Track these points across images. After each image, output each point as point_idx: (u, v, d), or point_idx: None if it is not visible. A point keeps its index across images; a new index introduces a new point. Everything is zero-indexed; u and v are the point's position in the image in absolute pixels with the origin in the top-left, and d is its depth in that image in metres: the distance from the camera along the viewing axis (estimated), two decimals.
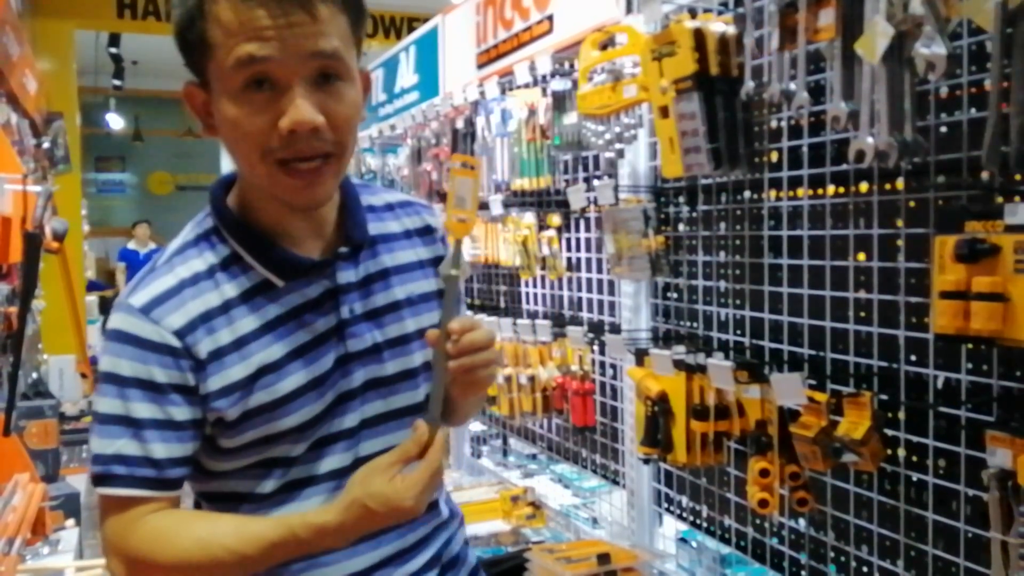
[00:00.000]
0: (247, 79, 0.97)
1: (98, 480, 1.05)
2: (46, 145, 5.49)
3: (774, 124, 1.88)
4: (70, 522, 2.96)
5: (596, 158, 2.61)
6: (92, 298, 8.22)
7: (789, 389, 1.63)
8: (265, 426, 1.07)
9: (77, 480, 4.00)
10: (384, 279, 1.17)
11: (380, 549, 1.14)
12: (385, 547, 1.15)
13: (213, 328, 1.05)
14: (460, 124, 3.07)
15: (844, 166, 1.68)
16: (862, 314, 1.71)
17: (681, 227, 2.24)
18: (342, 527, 1.00)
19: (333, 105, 0.99)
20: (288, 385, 1.07)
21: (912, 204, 1.59)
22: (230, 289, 1.07)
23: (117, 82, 10.87)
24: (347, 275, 1.13)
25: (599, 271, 2.66)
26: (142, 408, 1.03)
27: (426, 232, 1.25)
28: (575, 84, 2.30)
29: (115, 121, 13.17)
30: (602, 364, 2.64)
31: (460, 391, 1.09)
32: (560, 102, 2.47)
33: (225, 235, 1.09)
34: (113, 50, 10.04)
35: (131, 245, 10.26)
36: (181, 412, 1.05)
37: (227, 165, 1.14)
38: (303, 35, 0.96)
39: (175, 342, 1.03)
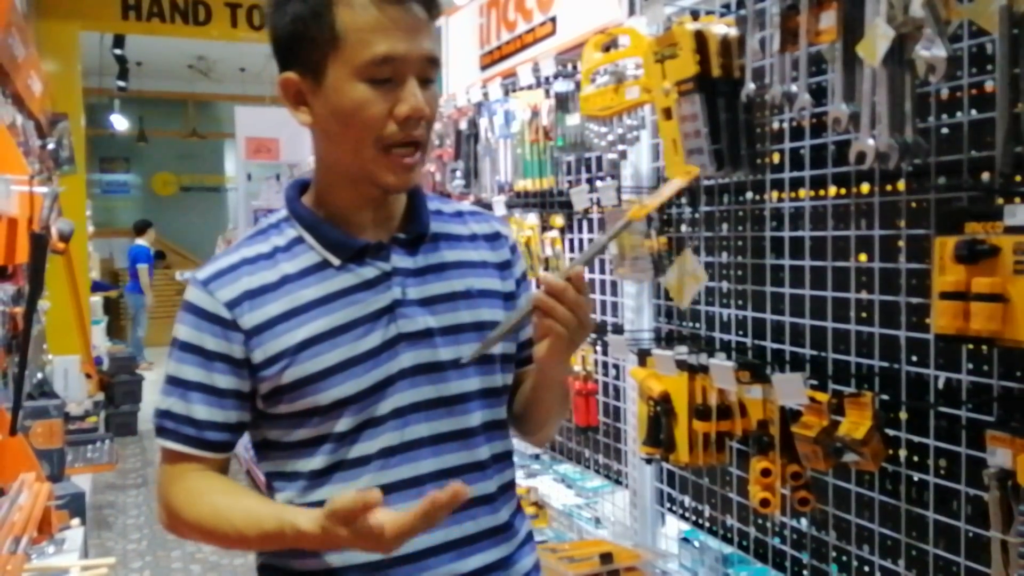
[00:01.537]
0: (377, 73, 1.08)
1: (156, 431, 1.18)
2: (51, 146, 5.51)
3: (776, 126, 1.89)
4: (75, 521, 2.97)
5: (599, 159, 2.62)
6: (96, 299, 8.25)
7: (790, 389, 1.64)
8: (313, 396, 1.12)
9: (82, 480, 4.02)
10: (442, 271, 1.21)
11: (426, 535, 1.13)
12: (430, 534, 1.14)
13: (264, 302, 1.14)
14: (464, 125, 3.08)
15: (846, 167, 1.68)
16: (863, 315, 1.72)
17: (684, 228, 2.25)
18: (321, 542, 1.03)
19: (430, 102, 1.12)
20: (334, 357, 1.12)
21: (913, 205, 1.60)
22: (288, 267, 1.16)
23: (121, 83, 10.88)
24: (403, 260, 1.19)
25: (602, 272, 2.67)
26: (191, 371, 1.14)
27: (494, 238, 1.30)
28: (578, 86, 2.31)
29: (119, 122, 13.20)
30: (605, 364, 2.65)
31: (539, 343, 1.13)
32: (563, 103, 2.48)
33: (293, 222, 1.19)
34: (117, 51, 10.07)
35: (145, 244, 10.43)
36: (224, 380, 1.14)
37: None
38: (423, 39, 1.10)
39: (226, 313, 1.13)
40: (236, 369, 1.14)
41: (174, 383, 1.15)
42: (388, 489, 1.12)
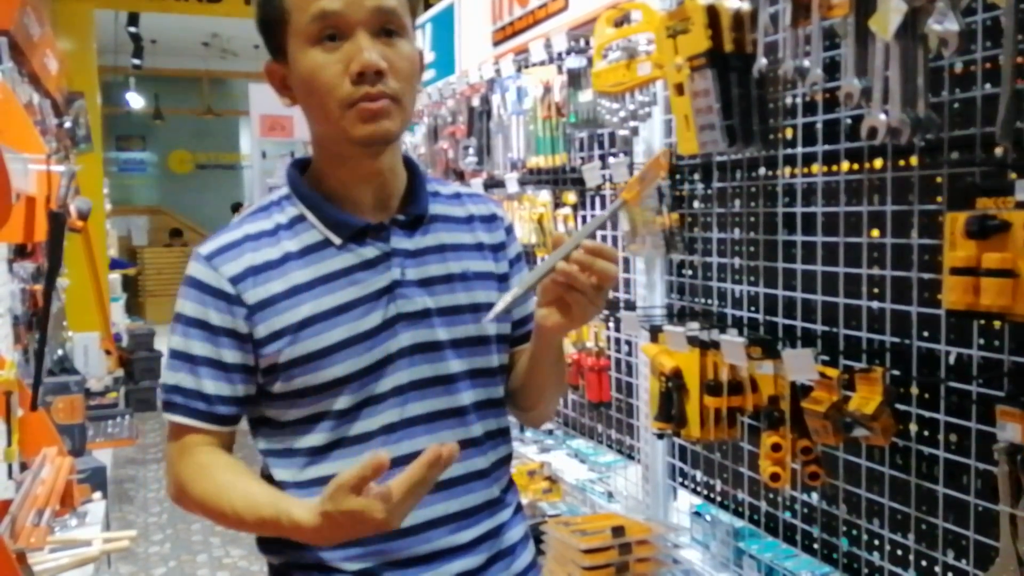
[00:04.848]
0: (320, 33, 1.08)
1: (164, 406, 1.19)
2: (68, 124, 5.55)
3: (788, 101, 1.88)
4: (97, 495, 3.03)
5: (611, 135, 2.62)
6: (115, 276, 8.33)
7: (800, 365, 1.64)
8: (312, 374, 1.14)
9: (103, 454, 4.09)
10: (440, 252, 1.23)
11: (425, 508, 1.17)
12: (429, 507, 1.17)
13: (267, 278, 1.15)
14: (476, 102, 3.08)
15: (858, 143, 1.68)
16: (875, 290, 1.72)
17: (696, 204, 2.25)
18: (317, 533, 1.02)
19: (392, 55, 1.10)
20: (334, 336, 1.14)
21: (936, 180, 1.59)
22: (291, 244, 1.17)
23: (136, 61, 10.92)
24: (402, 241, 1.20)
25: (614, 248, 2.67)
26: (198, 346, 1.16)
27: (491, 219, 1.31)
28: (590, 61, 2.31)
29: (135, 100, 13.25)
30: (617, 340, 2.66)
31: (546, 302, 1.10)
32: (575, 79, 2.48)
33: (295, 199, 1.20)
34: (132, 29, 10.08)
35: None
36: (231, 355, 1.15)
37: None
38: None
39: (229, 288, 1.14)
40: (241, 344, 1.15)
41: (182, 358, 1.17)
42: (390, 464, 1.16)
